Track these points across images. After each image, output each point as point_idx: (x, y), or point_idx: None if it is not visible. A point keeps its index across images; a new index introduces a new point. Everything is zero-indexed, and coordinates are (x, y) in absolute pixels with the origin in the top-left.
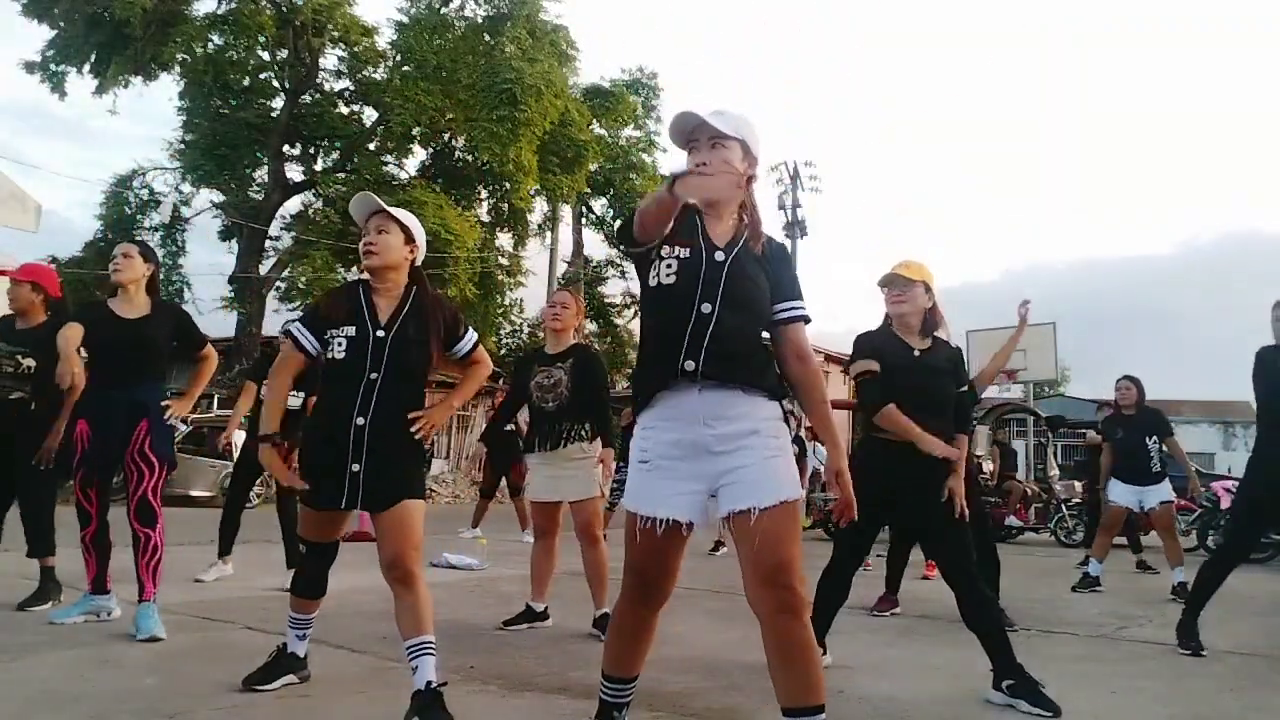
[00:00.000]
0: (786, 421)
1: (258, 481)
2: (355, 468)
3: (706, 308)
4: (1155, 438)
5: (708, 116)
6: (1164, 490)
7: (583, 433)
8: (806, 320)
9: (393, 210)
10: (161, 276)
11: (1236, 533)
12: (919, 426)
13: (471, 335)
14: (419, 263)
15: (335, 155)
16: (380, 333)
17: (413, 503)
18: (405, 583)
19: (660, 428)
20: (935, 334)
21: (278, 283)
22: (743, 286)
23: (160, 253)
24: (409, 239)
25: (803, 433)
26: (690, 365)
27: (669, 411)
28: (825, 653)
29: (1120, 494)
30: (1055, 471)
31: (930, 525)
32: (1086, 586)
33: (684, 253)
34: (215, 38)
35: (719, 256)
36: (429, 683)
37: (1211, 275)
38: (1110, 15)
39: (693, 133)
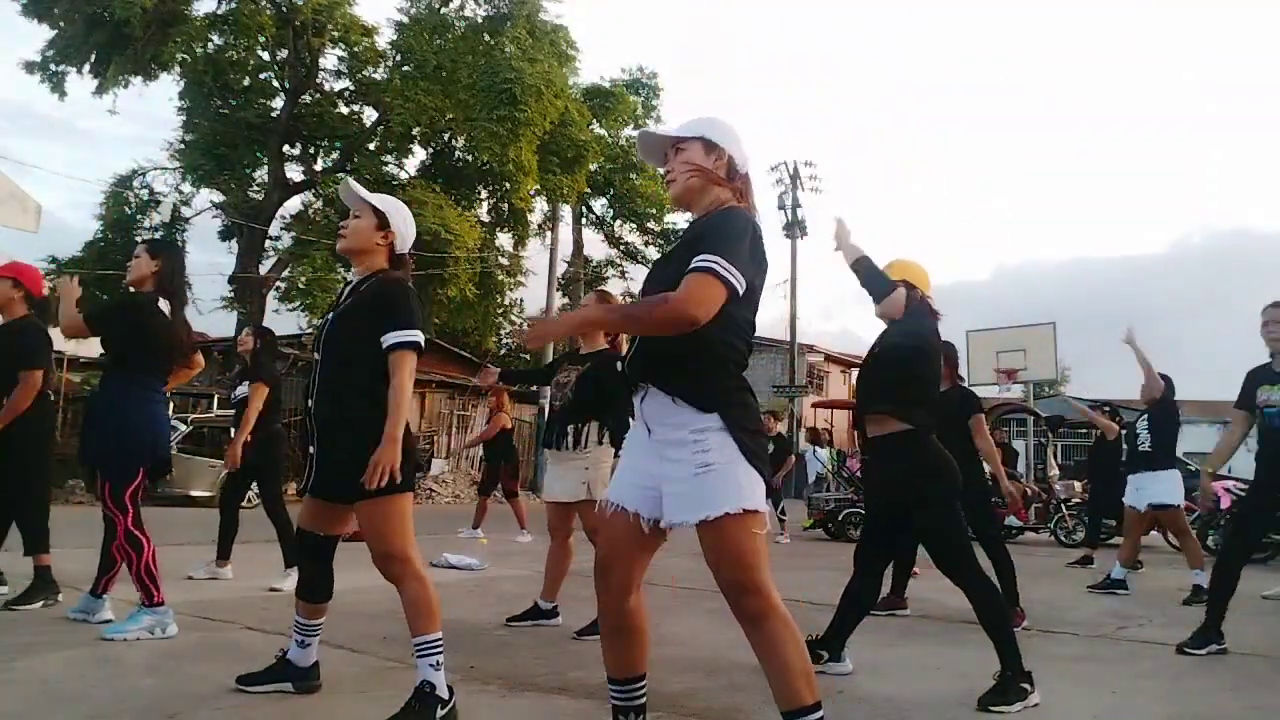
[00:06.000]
0: (731, 431)
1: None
2: (312, 450)
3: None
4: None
5: (658, 127)
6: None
7: (581, 435)
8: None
9: (368, 196)
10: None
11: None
12: (860, 415)
13: (398, 334)
14: (401, 249)
15: (335, 155)
16: (330, 314)
17: (370, 503)
18: (392, 582)
19: (637, 423)
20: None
21: (278, 283)
22: (658, 278)
23: None
24: (382, 224)
25: (802, 434)
26: (618, 366)
27: (636, 410)
28: (840, 659)
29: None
30: (1055, 471)
31: (910, 519)
32: (1105, 588)
33: None
34: (215, 38)
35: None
36: (421, 682)
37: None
38: (1104, 16)
39: (661, 145)
